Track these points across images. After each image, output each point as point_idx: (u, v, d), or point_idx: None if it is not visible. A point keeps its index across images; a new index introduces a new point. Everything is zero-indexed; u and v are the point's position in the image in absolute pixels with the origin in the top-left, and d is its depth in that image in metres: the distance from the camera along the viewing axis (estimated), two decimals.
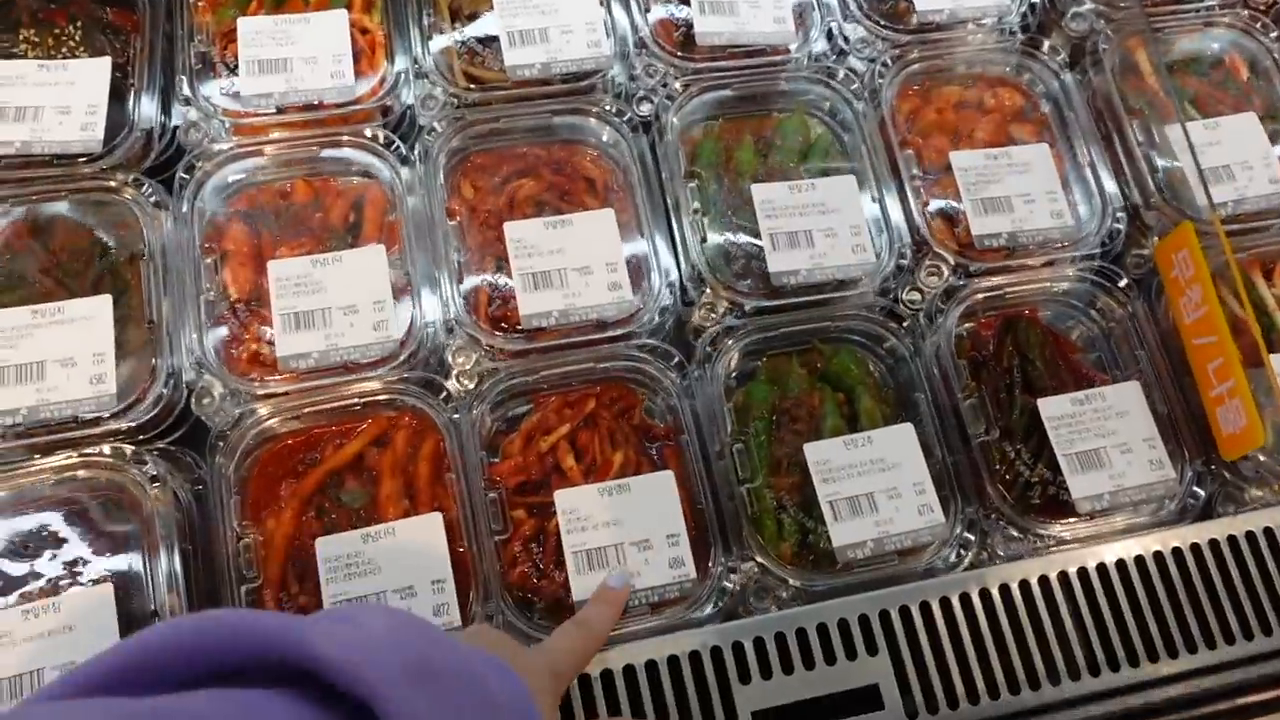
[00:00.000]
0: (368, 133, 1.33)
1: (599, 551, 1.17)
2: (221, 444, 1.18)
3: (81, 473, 1.16)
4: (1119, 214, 1.39)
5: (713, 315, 1.30)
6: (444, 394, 1.23)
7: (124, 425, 1.18)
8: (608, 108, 1.38)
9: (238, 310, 1.26)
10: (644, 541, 1.19)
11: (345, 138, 1.33)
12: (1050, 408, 1.28)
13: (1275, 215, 1.42)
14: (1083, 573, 1.19)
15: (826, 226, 1.35)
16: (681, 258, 1.33)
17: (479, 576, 1.15)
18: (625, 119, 1.38)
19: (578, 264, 1.30)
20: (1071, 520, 1.24)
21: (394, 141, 1.33)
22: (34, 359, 1.19)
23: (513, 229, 1.30)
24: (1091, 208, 1.41)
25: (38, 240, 1.27)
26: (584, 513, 1.19)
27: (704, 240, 1.33)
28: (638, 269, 1.33)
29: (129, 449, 1.17)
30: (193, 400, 1.21)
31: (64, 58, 1.35)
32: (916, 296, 1.35)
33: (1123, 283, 1.36)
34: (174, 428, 1.24)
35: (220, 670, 0.57)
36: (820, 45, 1.49)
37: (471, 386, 1.24)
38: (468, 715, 0.65)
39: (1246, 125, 1.46)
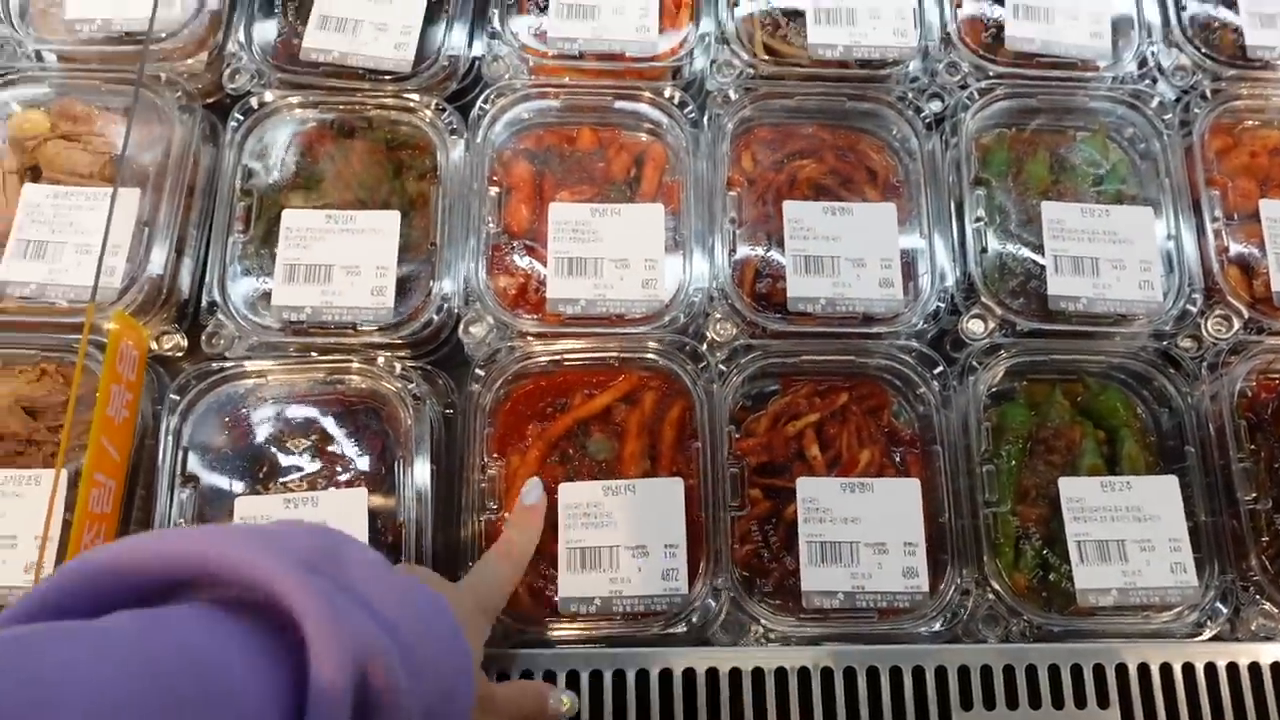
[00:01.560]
0: (666, 91, 1.33)
1: (834, 546, 1.16)
2: (482, 374, 1.21)
3: (353, 379, 1.21)
4: None
5: (982, 329, 1.26)
6: (703, 363, 1.22)
7: (394, 339, 1.23)
8: (906, 97, 1.35)
9: (514, 245, 1.29)
10: (880, 545, 1.17)
11: (644, 93, 1.33)
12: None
13: None
14: None
15: (1115, 257, 1.29)
16: (958, 265, 1.29)
17: (711, 548, 1.15)
18: (921, 115, 1.34)
19: (853, 254, 1.27)
20: None
21: (688, 104, 1.33)
22: (323, 261, 1.24)
23: (792, 209, 1.29)
24: None
25: (339, 149, 1.32)
26: (824, 504, 1.18)
27: (984, 250, 1.29)
28: (910, 269, 1.29)
29: (399, 364, 1.21)
30: (460, 328, 1.24)
31: None
32: (1191, 345, 1.28)
33: None
34: (437, 349, 1.28)
35: (144, 593, 0.60)
36: (1132, 67, 1.41)
37: (726, 358, 1.24)
38: (378, 598, 0.66)
39: None
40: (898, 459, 1.25)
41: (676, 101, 1.33)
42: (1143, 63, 1.41)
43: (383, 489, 1.18)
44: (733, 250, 1.28)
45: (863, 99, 1.36)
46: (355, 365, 1.21)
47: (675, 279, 1.27)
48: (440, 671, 0.71)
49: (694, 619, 1.13)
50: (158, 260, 1.23)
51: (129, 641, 0.55)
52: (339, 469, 1.18)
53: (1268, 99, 1.39)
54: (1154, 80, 1.41)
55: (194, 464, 1.18)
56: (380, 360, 1.21)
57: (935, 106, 1.37)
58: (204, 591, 0.61)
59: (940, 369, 1.24)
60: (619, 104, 1.35)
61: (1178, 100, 1.39)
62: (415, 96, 1.33)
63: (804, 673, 1.11)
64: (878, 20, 1.37)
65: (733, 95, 1.34)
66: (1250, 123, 1.40)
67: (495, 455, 1.20)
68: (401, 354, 1.26)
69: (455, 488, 1.19)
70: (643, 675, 1.10)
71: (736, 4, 1.39)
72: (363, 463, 1.19)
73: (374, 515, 1.16)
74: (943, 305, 1.27)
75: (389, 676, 0.62)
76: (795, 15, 1.39)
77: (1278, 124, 1.40)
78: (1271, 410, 1.27)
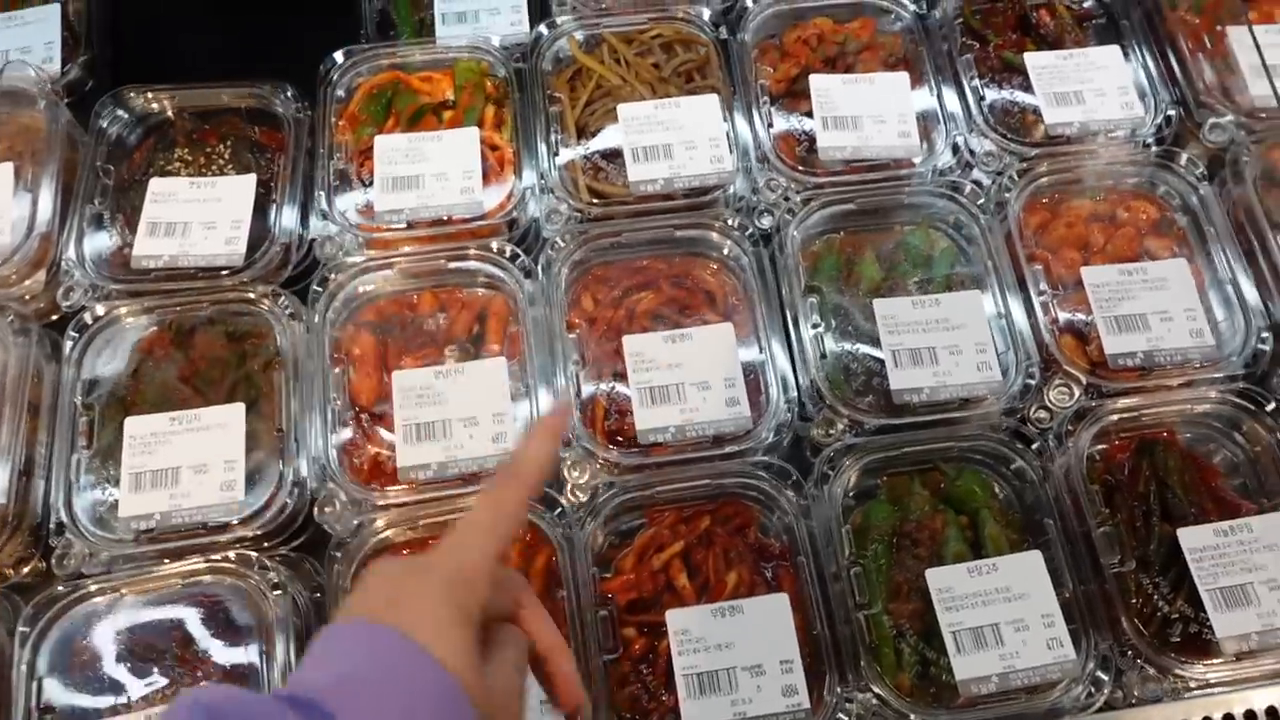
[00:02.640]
0: (493, 246, 1.37)
1: (710, 675, 1.15)
2: (339, 554, 1.20)
3: (207, 578, 1.20)
4: (1264, 333, 1.32)
5: (832, 432, 1.28)
6: (559, 509, 1.23)
7: (250, 532, 1.22)
8: (729, 222, 1.39)
9: (362, 419, 1.29)
10: (757, 667, 1.15)
11: (472, 251, 1.37)
12: (1191, 538, 1.21)
13: None
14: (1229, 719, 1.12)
15: (951, 343, 1.32)
16: (800, 373, 1.31)
17: (588, 696, 1.13)
18: (746, 233, 1.39)
19: (696, 379, 1.29)
20: (1215, 661, 1.16)
21: (518, 255, 1.36)
22: (170, 465, 1.24)
23: (632, 342, 1.31)
24: (1234, 326, 1.34)
25: (179, 349, 1.33)
26: (696, 634, 1.17)
27: (823, 355, 1.32)
28: (756, 384, 1.31)
29: (254, 555, 1.20)
30: (315, 508, 1.23)
31: (214, 174, 1.43)
32: (1045, 415, 1.30)
33: (1270, 406, 1.29)
34: (297, 534, 1.27)
35: None
36: (946, 159, 1.47)
37: (585, 500, 1.24)
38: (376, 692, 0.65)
39: None
40: (770, 574, 1.24)
41: (508, 255, 1.36)
42: (956, 148, 1.47)
43: (250, 685, 1.15)
44: (578, 392, 1.30)
45: (690, 226, 1.40)
46: (206, 565, 1.19)
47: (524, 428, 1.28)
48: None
49: None
50: (1, 485, 1.22)
51: None
52: (200, 673, 1.16)
53: (1073, 170, 1.44)
54: (968, 166, 1.47)
55: (52, 692, 1.15)
56: (231, 555, 1.20)
57: (767, 221, 1.41)
58: None
59: (794, 478, 1.25)
60: (452, 264, 1.37)
61: (993, 184, 1.44)
62: (251, 287, 1.34)
63: None
64: (693, 150, 1.42)
65: (561, 241, 1.37)
66: (1061, 196, 1.45)
67: None
68: (266, 545, 1.25)
69: None
70: None
71: (557, 154, 1.44)
72: (226, 662, 1.17)
73: None
74: (792, 415, 1.29)
75: None
76: (614, 155, 1.44)
77: (1088, 194, 1.45)
78: (1127, 470, 1.29)
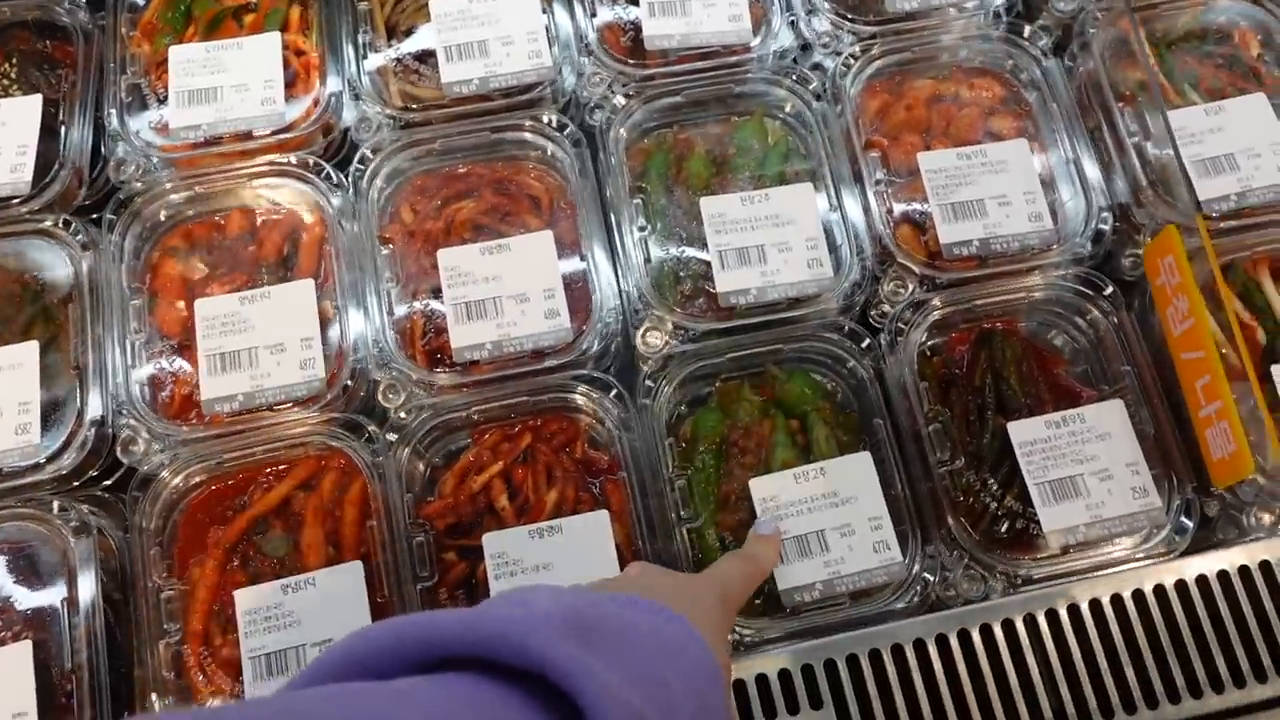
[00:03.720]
0: (293, 159, 1.29)
1: None
2: (140, 494, 1.16)
3: (7, 525, 1.15)
4: (1105, 214, 1.27)
5: (657, 341, 1.23)
6: (365, 435, 1.18)
7: (49, 475, 1.17)
8: (548, 120, 1.31)
9: (166, 352, 1.23)
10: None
11: (276, 167, 1.29)
12: (1021, 431, 1.18)
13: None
14: (1052, 615, 1.10)
15: (780, 240, 1.26)
16: (625, 279, 1.25)
17: None
18: (565, 132, 1.31)
19: (513, 291, 1.24)
20: (1042, 556, 1.14)
21: (323, 168, 1.29)
22: None
23: (446, 256, 1.25)
24: (1076, 207, 1.29)
25: None
26: (514, 556, 1.14)
27: (648, 260, 1.26)
28: (583, 293, 1.26)
29: (57, 501, 1.16)
30: (118, 448, 1.18)
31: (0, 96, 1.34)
32: (887, 310, 1.25)
33: (1108, 290, 1.24)
34: (108, 473, 1.22)
35: (414, 667, 0.64)
36: (786, 41, 1.39)
37: (407, 423, 1.19)
38: (630, 658, 0.69)
39: (1254, 107, 1.32)
40: (597, 490, 1.21)
41: (311, 166, 1.29)
42: (795, 30, 1.38)
43: (50, 635, 1.11)
44: (391, 311, 1.24)
45: (508, 128, 1.32)
46: (3, 512, 1.14)
47: (335, 352, 1.22)
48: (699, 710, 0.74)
49: None
50: None
51: (432, 701, 0.59)
52: (1, 622, 1.12)
53: (913, 49, 1.37)
54: (806, 48, 1.39)
55: None
56: (33, 500, 1.15)
57: (599, 117, 1.34)
58: (478, 665, 0.64)
59: (616, 391, 1.20)
60: (257, 182, 1.30)
61: (834, 68, 1.37)
62: (42, 216, 1.26)
63: None
64: (510, 46, 1.34)
65: (370, 153, 1.29)
66: (904, 77, 1.38)
67: (168, 575, 1.14)
68: (76, 484, 1.20)
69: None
70: None
71: (366, 57, 1.35)
72: (28, 607, 1.13)
73: (45, 665, 1.09)
74: (617, 323, 1.23)
75: None
76: (428, 56, 1.35)
77: (931, 73, 1.38)
78: (966, 363, 1.25)
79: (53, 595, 1.13)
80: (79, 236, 1.26)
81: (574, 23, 1.37)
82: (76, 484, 1.20)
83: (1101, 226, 1.27)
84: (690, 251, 1.27)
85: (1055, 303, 1.27)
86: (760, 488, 1.16)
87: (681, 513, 1.16)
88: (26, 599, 1.13)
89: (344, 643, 0.65)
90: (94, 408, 1.19)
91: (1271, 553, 1.13)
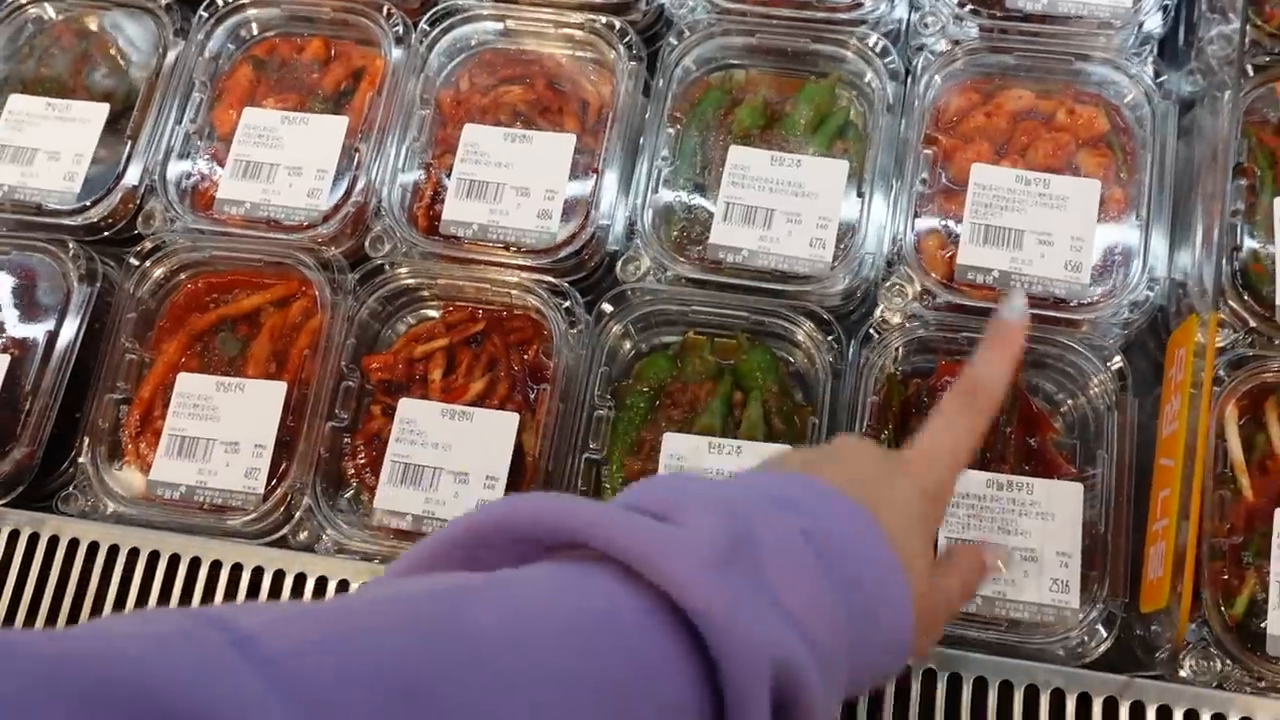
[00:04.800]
0: (384, 9, 1.33)
1: (417, 469, 1.15)
2: (136, 262, 1.26)
3: (27, 254, 1.28)
4: (1153, 284, 1.13)
5: (637, 270, 1.21)
6: (332, 272, 1.23)
7: (78, 221, 1.29)
8: (616, 26, 1.29)
9: (209, 149, 1.32)
10: (463, 475, 1.15)
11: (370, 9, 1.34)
12: (968, 483, 1.08)
13: None
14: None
15: (793, 210, 1.20)
16: (624, 205, 1.23)
17: (295, 451, 1.16)
18: (626, 40, 1.28)
19: (518, 183, 1.24)
20: None
21: (398, 20, 1.33)
22: (30, 145, 1.32)
23: (471, 132, 1.27)
24: (1129, 272, 1.15)
25: (81, 41, 1.39)
26: (421, 427, 1.17)
27: (655, 190, 1.23)
28: (585, 205, 1.25)
29: (73, 245, 1.28)
30: (139, 218, 1.29)
31: None
32: (888, 317, 1.17)
33: (1116, 365, 1.11)
34: (130, 237, 1.33)
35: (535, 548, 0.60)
36: (901, 11, 1.30)
37: (388, 272, 1.24)
38: (791, 583, 0.60)
39: None
40: (534, 396, 1.21)
41: (386, 15, 1.33)
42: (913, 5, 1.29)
43: (27, 356, 1.24)
44: (404, 168, 1.27)
45: (571, 26, 1.31)
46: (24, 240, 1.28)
47: (344, 190, 1.27)
48: (871, 640, 0.65)
49: (274, 520, 1.15)
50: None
51: (559, 603, 0.55)
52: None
53: (1014, 54, 1.24)
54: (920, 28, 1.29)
55: None
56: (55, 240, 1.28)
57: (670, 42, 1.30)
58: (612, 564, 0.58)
59: (568, 305, 1.19)
60: (348, 17, 1.35)
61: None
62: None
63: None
64: None
65: (428, 27, 1.32)
66: (1004, 81, 1.26)
67: (139, 344, 1.25)
68: (105, 235, 1.32)
69: None
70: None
71: None
72: (12, 334, 1.26)
73: (13, 380, 1.23)
74: (600, 243, 1.22)
75: (804, 694, 0.57)
76: None
77: (1033, 84, 1.25)
78: (917, 391, 1.16)
79: (42, 327, 1.26)
80: (175, 23, 1.36)
81: None
82: (104, 235, 1.32)
83: (1146, 294, 1.12)
84: (698, 197, 1.23)
85: (1058, 361, 1.14)
86: (673, 444, 1.13)
87: (589, 442, 1.15)
88: (16, 321, 1.27)
89: (480, 516, 0.61)
90: (131, 176, 1.30)
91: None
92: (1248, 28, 1.20)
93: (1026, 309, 0.82)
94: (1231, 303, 1.11)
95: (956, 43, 1.26)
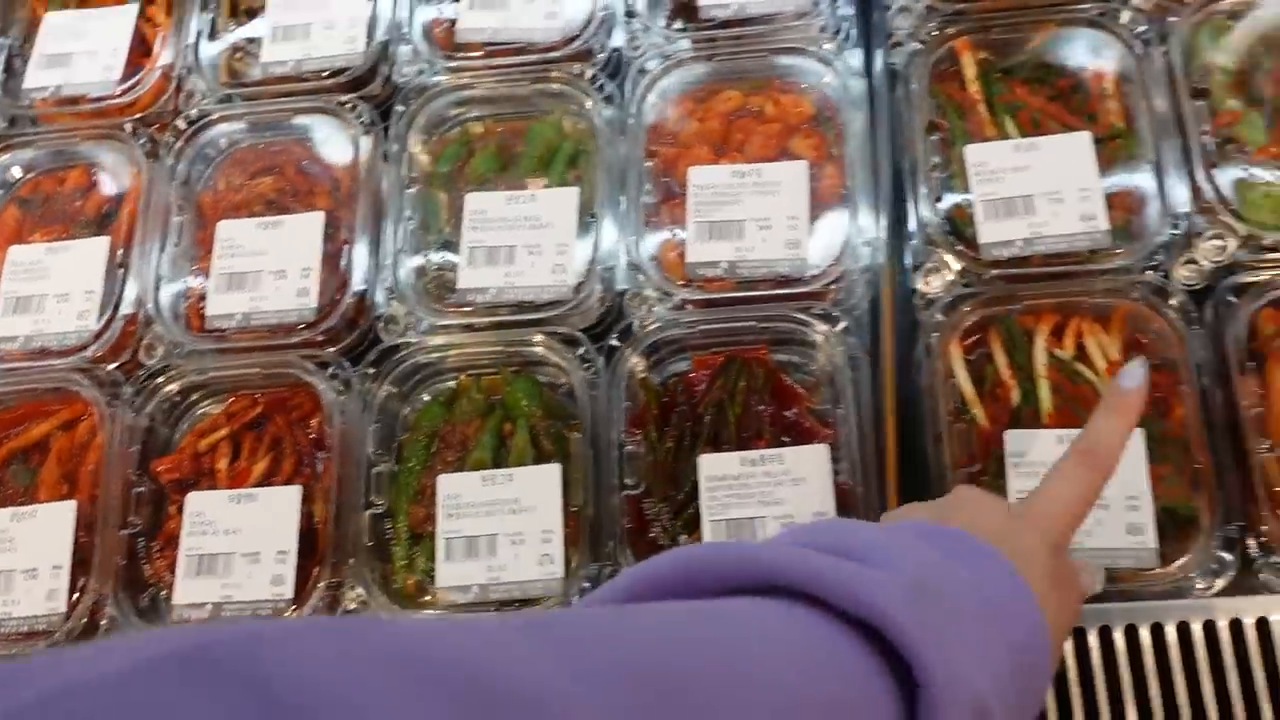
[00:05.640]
0: (127, 128, 1.39)
1: (210, 559, 1.18)
2: None
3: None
4: (866, 247, 1.19)
5: (395, 330, 1.25)
6: (108, 387, 1.26)
7: None
8: (345, 103, 1.35)
9: None
10: (254, 554, 1.18)
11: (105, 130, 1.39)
12: (712, 466, 1.13)
13: (1083, 259, 1.16)
14: None
15: (532, 243, 1.25)
16: (387, 269, 1.28)
17: (92, 565, 1.19)
18: (358, 115, 1.34)
19: (274, 267, 1.29)
20: None
21: (142, 134, 1.38)
22: None
23: (224, 228, 1.32)
24: (848, 238, 1.21)
25: None
26: (210, 517, 1.20)
27: (405, 251, 1.28)
28: (344, 275, 1.29)
29: None
30: None
31: None
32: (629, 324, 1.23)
33: (840, 325, 1.16)
34: None
35: (727, 590, 0.62)
36: (618, 39, 1.37)
37: (144, 380, 1.27)
38: (969, 626, 0.62)
39: (1073, 147, 1.19)
40: (320, 466, 1.25)
41: (132, 133, 1.38)
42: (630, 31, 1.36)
43: None
44: (170, 277, 1.32)
45: (312, 110, 1.37)
46: None
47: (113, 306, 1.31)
48: (1030, 684, 0.68)
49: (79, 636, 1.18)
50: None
51: (777, 627, 0.58)
52: None
53: (717, 59, 1.31)
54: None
55: None
56: None
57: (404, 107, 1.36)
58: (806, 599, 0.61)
59: (331, 370, 1.24)
60: (103, 142, 1.41)
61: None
62: None
63: None
64: (330, 31, 1.38)
65: (181, 124, 1.38)
66: (716, 87, 1.33)
67: None
68: None
69: None
70: None
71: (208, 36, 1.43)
72: None
73: None
74: (353, 308, 1.27)
75: None
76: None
77: (743, 84, 1.32)
78: (704, 389, 1.21)
79: None
80: None
81: (394, 12, 1.40)
82: None
83: (859, 262, 1.18)
84: (446, 253, 1.28)
85: (795, 335, 1.19)
86: (447, 485, 1.17)
87: (373, 499, 1.18)
88: None
89: (667, 558, 0.64)
90: None
91: None
92: None
93: (1145, 377, 0.84)
94: (941, 251, 1.17)
95: (667, 58, 1.32)
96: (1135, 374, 0.84)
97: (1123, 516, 1.05)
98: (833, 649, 0.58)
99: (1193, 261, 1.15)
